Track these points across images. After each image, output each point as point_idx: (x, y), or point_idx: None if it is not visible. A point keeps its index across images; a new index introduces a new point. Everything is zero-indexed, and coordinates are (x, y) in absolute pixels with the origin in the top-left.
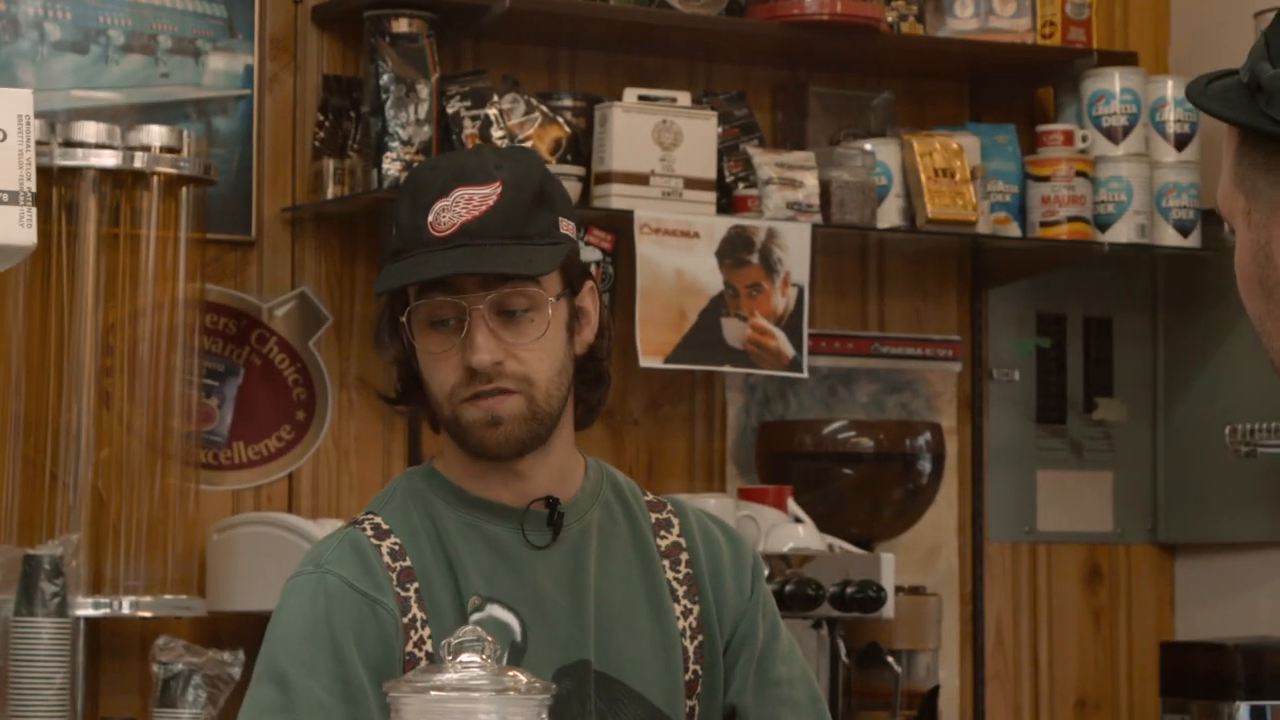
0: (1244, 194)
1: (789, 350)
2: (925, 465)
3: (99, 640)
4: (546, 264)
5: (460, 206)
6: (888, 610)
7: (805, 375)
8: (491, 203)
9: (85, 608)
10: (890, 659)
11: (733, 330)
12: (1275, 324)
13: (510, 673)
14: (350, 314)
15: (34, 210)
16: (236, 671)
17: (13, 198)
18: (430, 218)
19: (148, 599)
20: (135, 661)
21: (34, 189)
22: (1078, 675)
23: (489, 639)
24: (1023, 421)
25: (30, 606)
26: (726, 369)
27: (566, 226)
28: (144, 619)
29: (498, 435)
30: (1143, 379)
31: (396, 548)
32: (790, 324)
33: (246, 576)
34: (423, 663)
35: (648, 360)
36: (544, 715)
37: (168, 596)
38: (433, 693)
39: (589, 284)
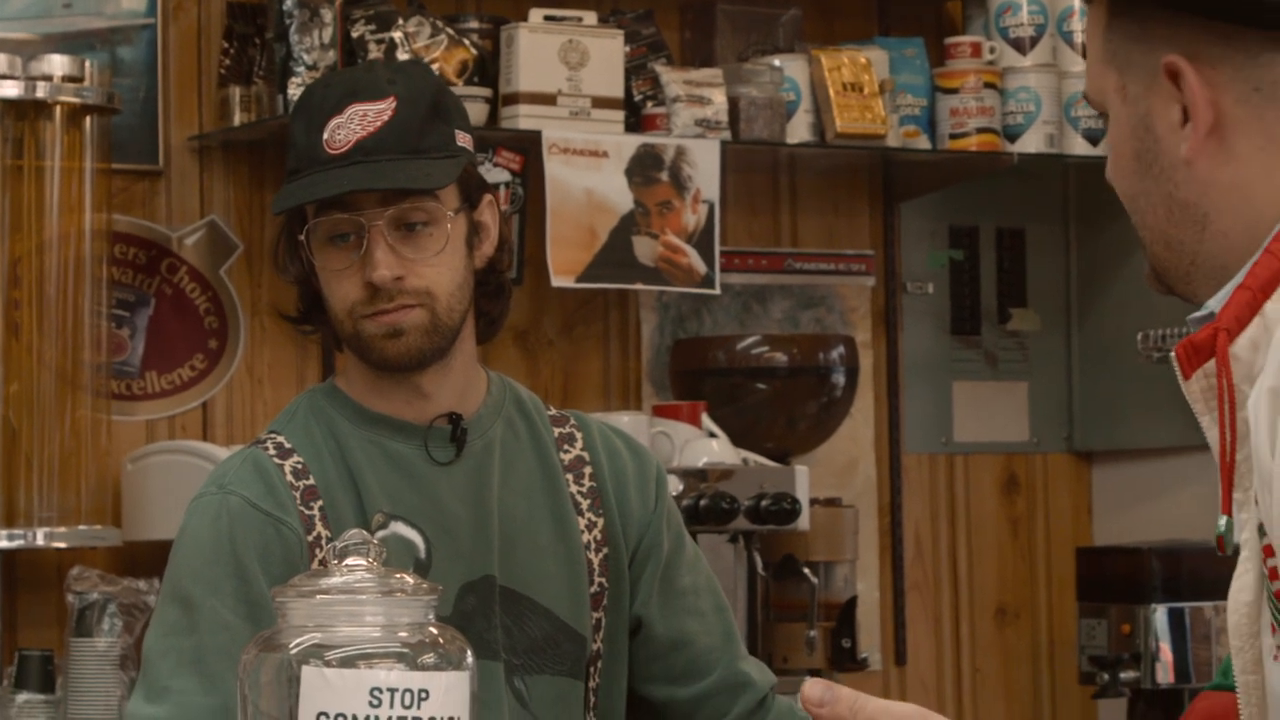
0: (1116, 69)
1: (701, 267)
2: (839, 379)
3: (14, 573)
4: (444, 177)
5: (355, 123)
6: (803, 522)
7: (718, 292)
8: (386, 118)
9: None
10: (806, 571)
11: (644, 248)
12: (1150, 201)
13: (396, 575)
14: (261, 241)
15: None
16: (152, 599)
17: None
18: (325, 135)
19: (62, 530)
20: (51, 593)
21: None
22: (996, 583)
23: (374, 541)
24: (937, 333)
25: None
26: (639, 287)
27: (463, 139)
28: (59, 550)
29: (399, 346)
30: (1056, 289)
31: (299, 466)
32: (702, 241)
33: (162, 505)
34: None
35: (560, 280)
36: (430, 616)
37: (82, 527)
38: (318, 596)
39: (487, 197)
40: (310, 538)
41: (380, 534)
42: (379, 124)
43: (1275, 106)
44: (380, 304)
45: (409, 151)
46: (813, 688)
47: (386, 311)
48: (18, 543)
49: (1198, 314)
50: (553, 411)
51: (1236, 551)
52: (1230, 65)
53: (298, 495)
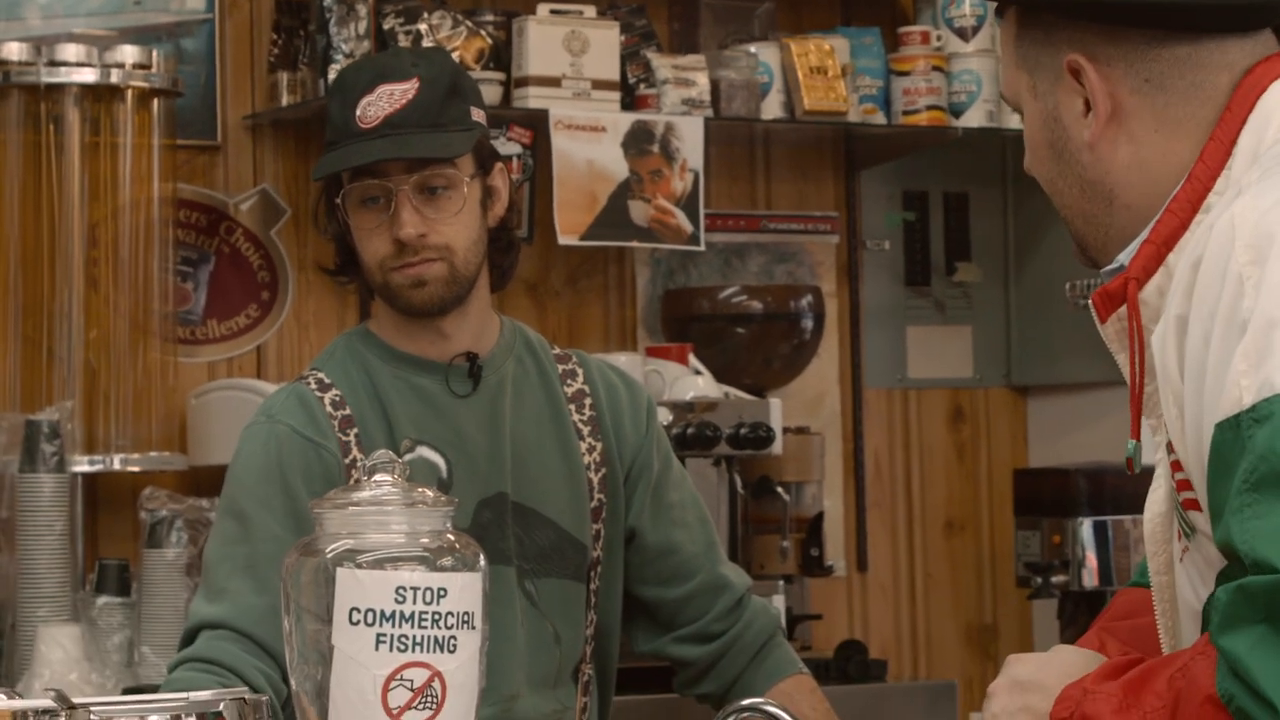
0: (1026, 71)
1: (688, 227)
2: (808, 324)
3: (95, 493)
4: (460, 147)
5: (383, 101)
6: (776, 448)
7: (702, 249)
8: (410, 96)
9: (81, 465)
10: (779, 489)
11: (638, 211)
12: (1065, 183)
13: (418, 489)
14: (306, 206)
15: None
16: (214, 515)
17: None
18: (358, 112)
19: (135, 456)
20: (126, 510)
21: None
22: (945, 501)
23: (399, 460)
24: (893, 284)
25: (33, 465)
26: (634, 244)
27: (477, 115)
28: (133, 473)
29: (423, 295)
30: (996, 245)
31: (337, 398)
32: (688, 204)
33: (221, 434)
34: None
35: (565, 239)
36: (448, 524)
37: (153, 454)
38: (350, 508)
39: (498, 165)
40: (347, 460)
41: (408, 457)
42: (404, 102)
43: (1164, 94)
44: (406, 258)
45: (430, 125)
46: None
47: (412, 264)
48: (98, 467)
49: (1110, 266)
50: (557, 350)
51: (1147, 470)
52: (1123, 61)
53: (336, 423)
